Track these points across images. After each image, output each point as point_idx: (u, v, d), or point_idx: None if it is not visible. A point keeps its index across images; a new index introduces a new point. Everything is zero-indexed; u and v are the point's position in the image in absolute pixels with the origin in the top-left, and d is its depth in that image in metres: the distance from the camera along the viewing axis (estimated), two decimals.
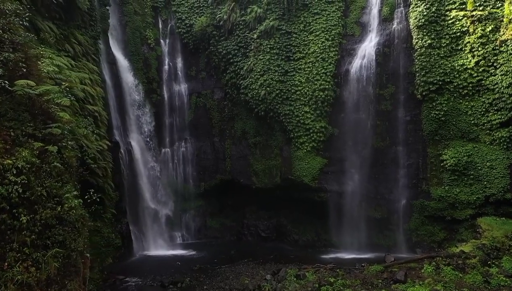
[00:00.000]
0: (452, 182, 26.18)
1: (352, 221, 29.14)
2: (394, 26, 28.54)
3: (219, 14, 32.43)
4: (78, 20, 23.21)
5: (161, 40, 34.03)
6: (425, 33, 26.87)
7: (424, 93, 26.91)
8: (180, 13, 33.83)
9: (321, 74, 29.36)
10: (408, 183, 27.84)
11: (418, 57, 27.03)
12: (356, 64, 28.97)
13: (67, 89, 13.67)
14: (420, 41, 27.00)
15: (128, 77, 29.99)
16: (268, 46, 30.66)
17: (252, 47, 31.32)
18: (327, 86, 29.17)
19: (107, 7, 29.03)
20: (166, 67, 33.91)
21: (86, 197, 12.63)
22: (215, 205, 33.86)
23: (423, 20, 26.85)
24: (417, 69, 27.08)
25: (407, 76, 27.95)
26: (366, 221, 28.99)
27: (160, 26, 34.15)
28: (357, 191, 29.12)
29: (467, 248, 21.21)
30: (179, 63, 34.35)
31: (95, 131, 22.18)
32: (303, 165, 29.56)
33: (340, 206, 29.46)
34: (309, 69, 29.80)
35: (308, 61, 29.94)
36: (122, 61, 30.00)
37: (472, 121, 25.96)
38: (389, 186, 28.42)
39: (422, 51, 26.85)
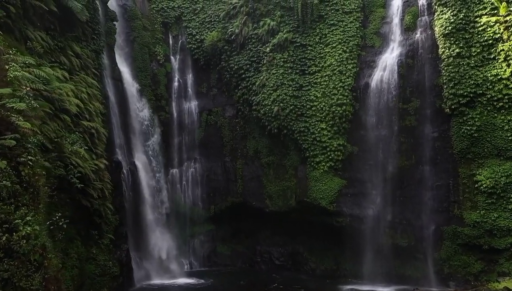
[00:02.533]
0: (489, 205, 23.28)
1: (375, 249, 26.59)
2: (418, 35, 26.47)
3: (231, 28, 31.08)
4: (78, 33, 22.00)
5: (171, 56, 32.81)
6: (452, 42, 24.65)
7: (453, 107, 24.44)
8: (191, 29, 32.68)
9: (338, 88, 27.32)
10: (438, 206, 25.10)
11: (445, 68, 24.74)
12: (377, 76, 26.86)
13: (30, 94, 11.96)
14: (447, 51, 24.76)
15: (134, 94, 28.67)
16: (282, 59, 28.97)
17: (264, 61, 29.69)
18: (345, 101, 27.07)
19: (114, 22, 28.02)
20: (176, 84, 32.54)
21: (56, 220, 10.65)
22: (226, 230, 31.70)
23: (450, 27, 24.69)
24: (444, 81, 24.75)
25: (433, 88, 25.62)
26: (390, 249, 26.34)
27: (171, 42, 33.01)
28: (380, 216, 26.65)
29: None
30: (190, 79, 32.97)
31: (93, 150, 20.72)
32: (320, 186, 27.27)
33: (361, 232, 26.99)
34: (325, 83, 27.84)
35: (325, 74, 28.02)
36: (129, 77, 28.78)
37: (510, 138, 23.22)
38: (416, 210, 25.71)
39: (450, 61, 24.58)
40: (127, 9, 30.54)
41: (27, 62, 13.20)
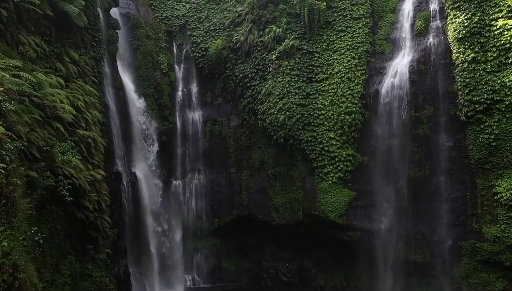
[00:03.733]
0: (510, 219, 21.82)
1: (388, 265, 25.36)
2: (430, 40, 25.36)
3: (236, 36, 30.38)
4: (76, 39, 21.33)
5: (175, 66, 32.09)
6: (467, 46, 23.46)
7: (469, 115, 23.13)
8: (195, 37, 32.04)
9: (347, 96, 26.24)
10: (454, 220, 23.65)
11: (460, 74, 23.53)
12: (387, 83, 25.73)
13: (5, 97, 11.02)
14: (461, 56, 23.57)
15: (136, 104, 27.87)
16: (288, 67, 28.06)
17: (270, 69, 28.79)
18: (354, 109, 25.96)
19: (116, 30, 27.44)
20: (180, 93, 31.76)
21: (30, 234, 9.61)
22: (231, 244, 30.53)
23: (464, 31, 23.53)
24: (459, 87, 23.52)
25: (447, 95, 24.39)
26: (404, 265, 24.99)
27: (175, 51, 32.35)
28: (392, 229, 25.34)
29: None
30: (194, 89, 32.19)
31: (89, 160, 19.82)
32: (328, 198, 26.06)
33: (373, 247, 25.76)
34: (333, 90, 26.82)
35: (333, 82, 27.00)
36: (131, 86, 28.04)
37: None
38: (431, 224, 24.30)
39: (465, 66, 23.37)
40: (130, 17, 30.01)
41: (11, 64, 12.37)
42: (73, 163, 16.69)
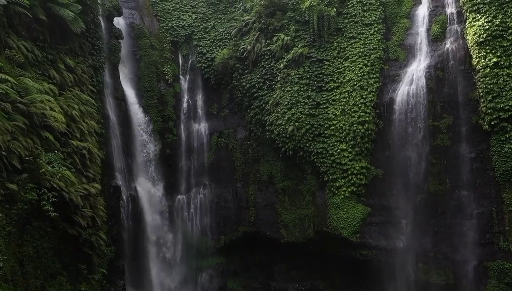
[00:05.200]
0: None
1: (407, 287, 23.68)
2: (448, 45, 24.06)
3: (243, 45, 29.35)
4: (74, 46, 20.46)
5: (181, 76, 31.08)
6: (488, 51, 22.10)
7: (493, 123, 21.54)
8: (201, 47, 31.09)
9: (359, 105, 24.84)
10: (480, 238, 21.89)
11: (481, 80, 22.04)
12: (402, 91, 24.35)
13: None
14: (482, 60, 22.14)
15: (139, 115, 26.86)
16: (297, 76, 26.86)
17: (278, 78, 27.56)
18: (367, 119, 24.55)
19: (119, 40, 26.63)
20: (185, 104, 30.64)
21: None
22: (238, 263, 28.95)
23: (484, 35, 22.20)
24: (481, 94, 22.01)
25: (468, 103, 22.95)
26: (424, 287, 23.34)
27: (180, 61, 31.39)
28: (410, 248, 23.84)
29: None
30: (199, 100, 31.06)
31: (83, 173, 18.63)
32: (341, 214, 24.51)
33: (390, 267, 24.17)
34: (345, 99, 25.47)
35: (344, 90, 25.67)
36: (133, 97, 27.10)
37: None
38: (454, 242, 22.54)
39: (487, 72, 21.88)
40: (134, 27, 29.25)
41: None
42: (64, 175, 15.48)
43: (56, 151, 14.89)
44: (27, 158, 13.01)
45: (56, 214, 13.88)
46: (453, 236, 22.62)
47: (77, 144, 18.05)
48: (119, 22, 27.87)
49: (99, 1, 23.46)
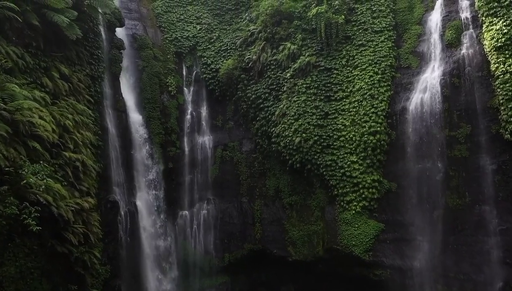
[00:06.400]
0: None
1: None
2: (463, 51, 22.86)
3: (248, 55, 28.54)
4: (70, 54, 19.70)
5: (184, 88, 30.22)
6: (508, 55, 20.86)
7: None
8: (205, 58, 30.30)
9: (370, 115, 23.64)
10: (504, 256, 20.21)
11: (501, 86, 20.73)
12: (416, 99, 23.11)
13: None
14: (502, 66, 20.86)
15: (140, 127, 25.93)
16: (304, 85, 25.83)
17: (285, 88, 26.55)
18: (378, 129, 23.30)
19: (121, 51, 25.93)
20: (189, 117, 29.67)
21: None
22: (243, 283, 27.52)
23: (503, 39, 21.02)
24: (501, 102, 20.65)
25: (487, 111, 21.54)
26: None
27: (184, 72, 30.58)
28: (428, 268, 22.18)
29: None
30: (204, 112, 30.09)
31: (76, 186, 17.57)
32: (352, 230, 23.12)
33: (406, 288, 22.62)
34: (354, 109, 24.30)
35: (354, 100, 24.55)
36: (134, 109, 26.21)
37: None
38: (476, 261, 20.83)
39: (506, 78, 20.58)
40: (137, 38, 28.61)
41: None
42: (53, 188, 14.40)
43: (41, 162, 13.81)
44: (7, 169, 11.95)
45: (41, 229, 12.70)
46: (475, 254, 20.92)
47: (70, 156, 17.03)
48: (121, 33, 27.19)
49: (99, 10, 22.74)
